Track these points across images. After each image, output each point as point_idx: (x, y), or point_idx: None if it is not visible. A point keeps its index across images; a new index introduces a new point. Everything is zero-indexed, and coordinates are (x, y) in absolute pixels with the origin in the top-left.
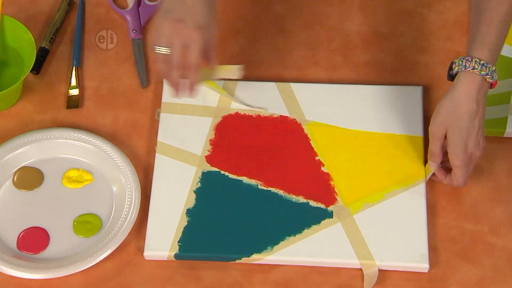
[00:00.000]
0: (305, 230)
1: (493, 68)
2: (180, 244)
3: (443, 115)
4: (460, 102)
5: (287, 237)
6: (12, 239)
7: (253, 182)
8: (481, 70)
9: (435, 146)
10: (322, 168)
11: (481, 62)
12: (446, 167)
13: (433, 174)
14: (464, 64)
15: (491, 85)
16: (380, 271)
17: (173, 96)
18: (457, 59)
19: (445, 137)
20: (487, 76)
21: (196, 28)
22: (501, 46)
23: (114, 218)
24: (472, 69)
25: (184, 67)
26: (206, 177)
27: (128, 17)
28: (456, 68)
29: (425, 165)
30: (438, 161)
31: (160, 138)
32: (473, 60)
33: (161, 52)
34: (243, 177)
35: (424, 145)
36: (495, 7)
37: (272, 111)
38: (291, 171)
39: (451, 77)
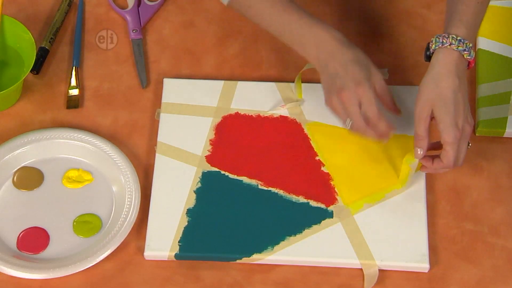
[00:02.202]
0: (305, 230)
1: (470, 45)
2: (180, 244)
3: (426, 94)
4: (441, 78)
5: (288, 237)
6: (12, 239)
7: (253, 182)
8: (458, 46)
9: (420, 128)
10: (322, 168)
11: (458, 38)
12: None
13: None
14: (441, 41)
15: (469, 65)
16: (380, 271)
17: (379, 138)
18: (433, 37)
19: (432, 119)
20: (465, 52)
21: (358, 85)
22: (478, 27)
23: (114, 218)
24: (449, 45)
25: (372, 124)
26: (206, 177)
27: (128, 17)
28: (433, 46)
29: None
30: (425, 145)
31: (160, 138)
32: (450, 36)
33: (350, 124)
34: (243, 177)
35: None
36: None
37: (272, 111)
38: (291, 171)
39: (428, 58)
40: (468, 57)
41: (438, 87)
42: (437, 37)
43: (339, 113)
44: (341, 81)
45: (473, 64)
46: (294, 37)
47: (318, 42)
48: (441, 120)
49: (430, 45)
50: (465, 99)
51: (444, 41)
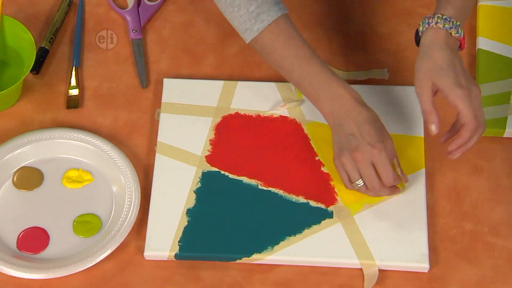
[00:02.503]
0: (305, 230)
1: (457, 23)
2: (180, 244)
3: (422, 71)
4: (432, 52)
5: (287, 237)
6: (12, 239)
7: (253, 182)
8: (444, 24)
9: (425, 103)
10: (322, 168)
11: (444, 17)
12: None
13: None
14: (427, 21)
15: (460, 46)
16: (380, 271)
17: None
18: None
19: (436, 93)
20: (452, 30)
21: (373, 147)
22: (468, 9)
23: (114, 218)
24: (435, 23)
25: (387, 184)
26: (206, 177)
27: (128, 17)
28: (421, 28)
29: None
30: (435, 119)
31: (160, 138)
32: (436, 16)
33: (360, 184)
34: (243, 177)
35: (424, 145)
36: None
37: (272, 111)
38: (291, 171)
39: (418, 42)
40: (456, 34)
41: (431, 59)
42: (424, 18)
43: (347, 171)
44: (356, 141)
45: (464, 45)
46: (312, 90)
47: (335, 98)
48: (443, 86)
49: (419, 30)
50: (462, 66)
51: (430, 21)
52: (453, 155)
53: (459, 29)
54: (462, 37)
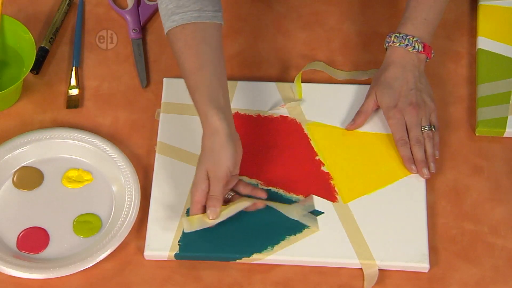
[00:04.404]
0: (305, 230)
1: (414, 39)
2: (180, 244)
3: (373, 82)
4: (386, 69)
5: (288, 236)
6: (12, 239)
7: (253, 181)
8: (400, 42)
9: (364, 106)
10: (322, 168)
11: (401, 35)
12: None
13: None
14: (387, 40)
15: (427, 56)
16: (381, 270)
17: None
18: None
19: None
20: (408, 47)
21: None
22: (433, 20)
23: (114, 218)
24: (392, 43)
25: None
26: None
27: (128, 17)
28: (385, 46)
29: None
30: (359, 120)
31: (160, 138)
32: (393, 35)
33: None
34: (243, 176)
35: None
36: None
37: (272, 111)
38: (291, 171)
39: None
40: (413, 50)
41: (383, 75)
42: (387, 36)
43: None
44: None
45: (430, 55)
46: (196, 105)
47: (210, 132)
48: (381, 104)
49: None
50: (415, 83)
51: (388, 40)
52: (423, 174)
53: (416, 44)
54: (422, 50)
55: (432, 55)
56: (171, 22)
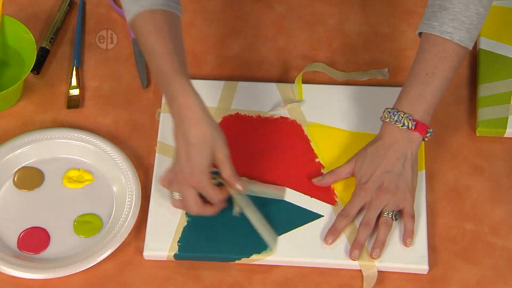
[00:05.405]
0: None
1: (405, 115)
2: (179, 244)
3: (361, 149)
4: (373, 141)
5: (287, 237)
6: (12, 239)
7: (252, 182)
8: (390, 118)
9: (340, 169)
10: (322, 170)
11: (392, 110)
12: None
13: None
14: (381, 115)
15: (423, 136)
16: (380, 272)
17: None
18: None
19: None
20: (397, 123)
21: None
22: (430, 97)
23: (115, 218)
24: (384, 117)
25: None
26: None
27: None
28: (381, 119)
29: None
30: (328, 180)
31: (160, 138)
32: (386, 110)
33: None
34: (243, 177)
35: (424, 146)
36: (424, 59)
37: (273, 112)
38: (291, 172)
39: None
40: (403, 127)
41: (367, 148)
42: (384, 111)
43: (172, 190)
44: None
45: (424, 133)
46: (161, 89)
47: (177, 111)
48: (356, 175)
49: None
50: (386, 166)
51: (382, 115)
52: (352, 255)
53: (406, 120)
54: (413, 128)
55: (428, 135)
56: (139, 8)
